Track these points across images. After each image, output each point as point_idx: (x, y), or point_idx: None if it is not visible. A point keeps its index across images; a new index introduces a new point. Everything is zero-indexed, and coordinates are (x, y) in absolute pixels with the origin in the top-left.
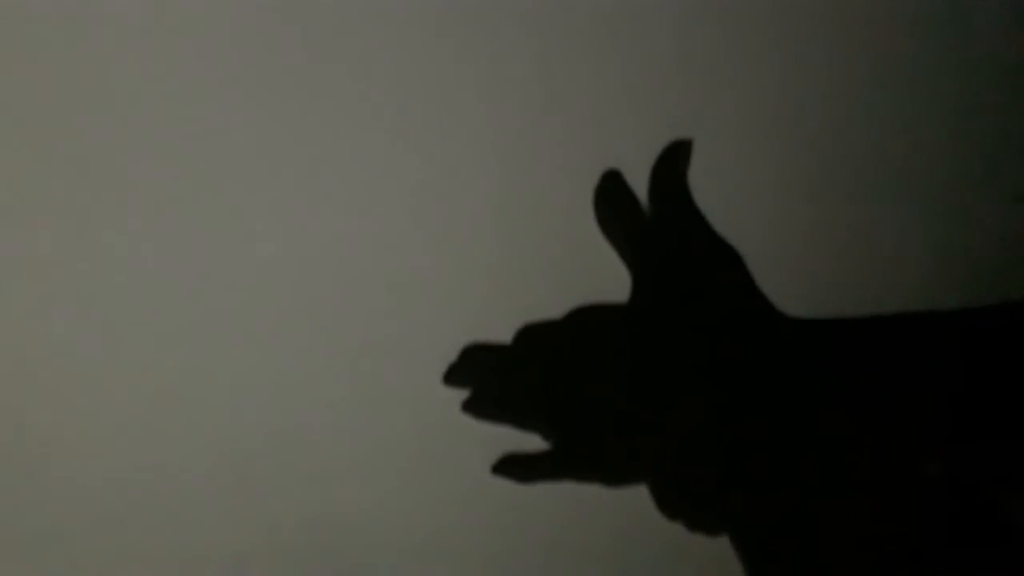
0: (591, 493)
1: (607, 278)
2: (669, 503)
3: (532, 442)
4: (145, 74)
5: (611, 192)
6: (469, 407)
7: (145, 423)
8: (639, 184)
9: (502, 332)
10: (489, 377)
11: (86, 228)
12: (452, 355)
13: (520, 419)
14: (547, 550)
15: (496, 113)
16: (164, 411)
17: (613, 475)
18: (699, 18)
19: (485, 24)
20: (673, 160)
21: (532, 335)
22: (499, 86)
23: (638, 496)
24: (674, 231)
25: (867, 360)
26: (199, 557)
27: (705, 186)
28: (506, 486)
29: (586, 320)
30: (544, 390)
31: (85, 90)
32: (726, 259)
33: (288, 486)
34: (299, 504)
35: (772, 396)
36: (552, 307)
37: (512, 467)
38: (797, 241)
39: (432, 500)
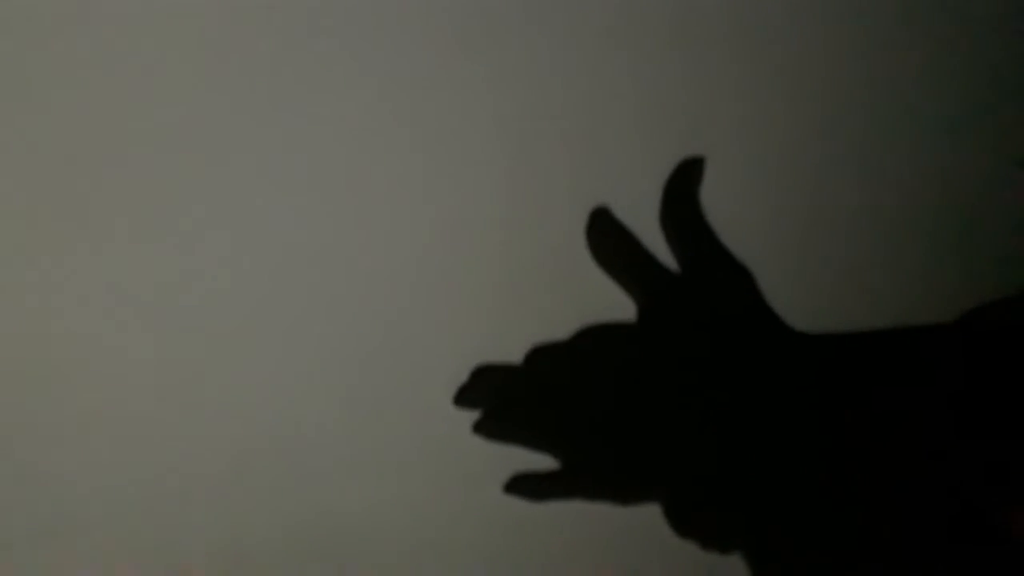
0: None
1: (616, 288)
2: (682, 522)
3: (540, 457)
4: (152, 73)
5: (603, 229)
6: (481, 428)
7: (145, 423)
8: (647, 196)
9: (508, 337)
10: (500, 398)
11: (88, 227)
12: (455, 357)
13: (531, 440)
14: (547, 551)
15: (505, 123)
16: (163, 411)
17: (624, 495)
18: (706, 32)
19: (495, 32)
20: (686, 176)
21: (542, 356)
22: (509, 95)
23: (649, 509)
24: (685, 248)
25: (876, 374)
26: (197, 556)
27: (709, 201)
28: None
29: (595, 340)
30: (555, 411)
31: (87, 90)
32: (737, 277)
33: (288, 487)
34: (299, 505)
35: (785, 414)
36: (560, 314)
37: (524, 486)
38: (799, 254)
39: (432, 502)
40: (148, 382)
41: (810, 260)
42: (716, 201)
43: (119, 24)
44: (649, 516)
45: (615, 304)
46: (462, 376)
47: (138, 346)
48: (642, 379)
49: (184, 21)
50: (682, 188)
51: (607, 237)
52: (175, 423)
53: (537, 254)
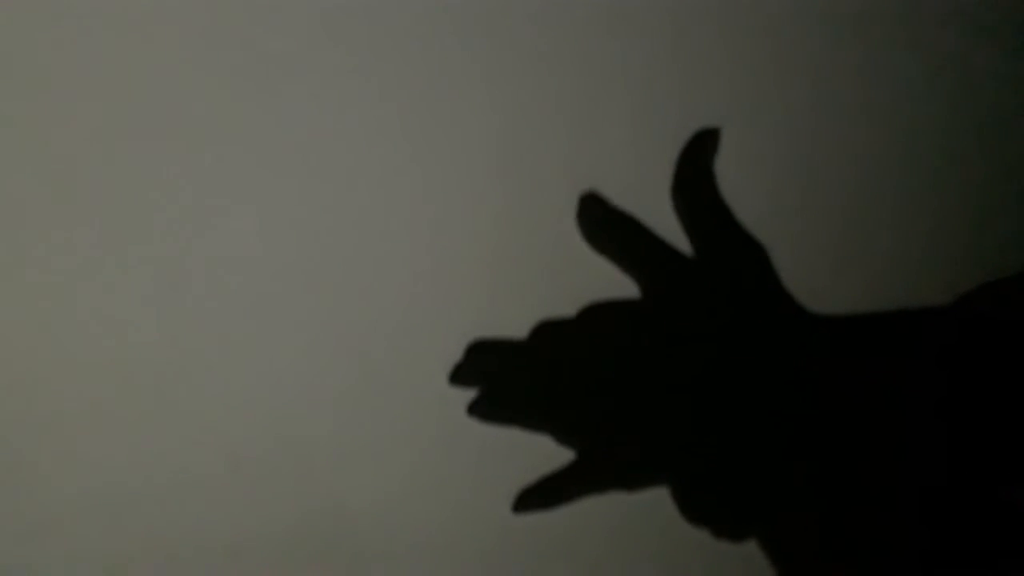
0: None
1: (617, 275)
2: (693, 508)
3: (540, 442)
4: (142, 71)
5: (595, 215)
6: (476, 409)
7: (145, 416)
8: (650, 180)
9: (508, 326)
10: (498, 375)
11: (85, 220)
12: (457, 348)
13: (531, 420)
14: (556, 544)
15: (501, 108)
16: (164, 404)
17: (632, 478)
18: (705, 17)
19: (488, 22)
20: (701, 148)
21: (545, 332)
22: (505, 80)
23: (650, 493)
24: (699, 222)
25: (881, 355)
26: (197, 551)
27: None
28: (510, 482)
29: (601, 317)
30: (558, 388)
31: (81, 87)
32: (752, 253)
33: (289, 480)
34: (299, 498)
35: (799, 396)
36: (561, 302)
37: (532, 498)
38: (800, 237)
39: (434, 495)
40: (148, 375)
41: (811, 243)
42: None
43: (126, 21)
44: (661, 505)
45: (619, 289)
46: None
47: (138, 339)
48: (649, 358)
49: (185, 19)
50: (697, 160)
51: (601, 223)
52: (175, 416)
53: (539, 242)
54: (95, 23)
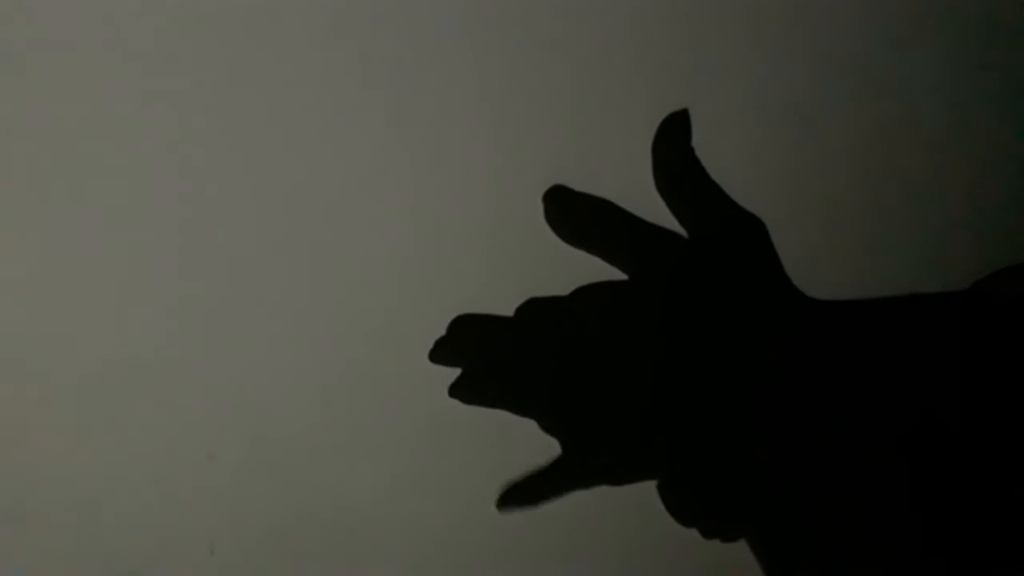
0: (597, 492)
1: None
2: (683, 507)
3: (534, 438)
4: (141, 67)
5: (565, 208)
6: (457, 390)
7: (131, 415)
8: (645, 167)
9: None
10: (482, 353)
11: (87, 224)
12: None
13: (514, 403)
14: (552, 543)
15: (491, 102)
16: (148, 404)
17: (619, 472)
18: (701, 7)
19: (484, 22)
20: (673, 133)
21: (534, 310)
22: (497, 75)
23: (647, 495)
24: (687, 202)
25: (886, 342)
26: (191, 548)
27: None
28: (502, 478)
29: (593, 300)
30: (545, 371)
31: (81, 90)
32: (749, 229)
33: (279, 478)
34: (290, 496)
35: (798, 387)
36: (554, 292)
37: (516, 495)
38: (799, 224)
39: (432, 495)
40: (148, 376)
41: (812, 229)
42: (718, 173)
43: (116, 22)
44: (651, 504)
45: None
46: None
47: (140, 340)
48: (639, 343)
49: (184, 20)
50: (672, 143)
51: (571, 216)
52: (159, 417)
53: (531, 234)
54: (92, 23)
